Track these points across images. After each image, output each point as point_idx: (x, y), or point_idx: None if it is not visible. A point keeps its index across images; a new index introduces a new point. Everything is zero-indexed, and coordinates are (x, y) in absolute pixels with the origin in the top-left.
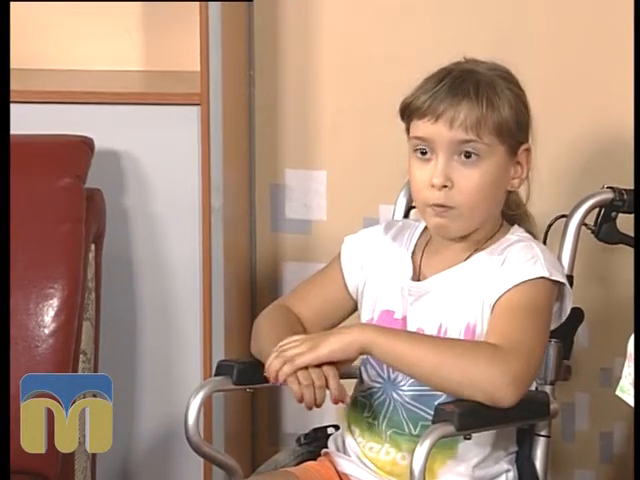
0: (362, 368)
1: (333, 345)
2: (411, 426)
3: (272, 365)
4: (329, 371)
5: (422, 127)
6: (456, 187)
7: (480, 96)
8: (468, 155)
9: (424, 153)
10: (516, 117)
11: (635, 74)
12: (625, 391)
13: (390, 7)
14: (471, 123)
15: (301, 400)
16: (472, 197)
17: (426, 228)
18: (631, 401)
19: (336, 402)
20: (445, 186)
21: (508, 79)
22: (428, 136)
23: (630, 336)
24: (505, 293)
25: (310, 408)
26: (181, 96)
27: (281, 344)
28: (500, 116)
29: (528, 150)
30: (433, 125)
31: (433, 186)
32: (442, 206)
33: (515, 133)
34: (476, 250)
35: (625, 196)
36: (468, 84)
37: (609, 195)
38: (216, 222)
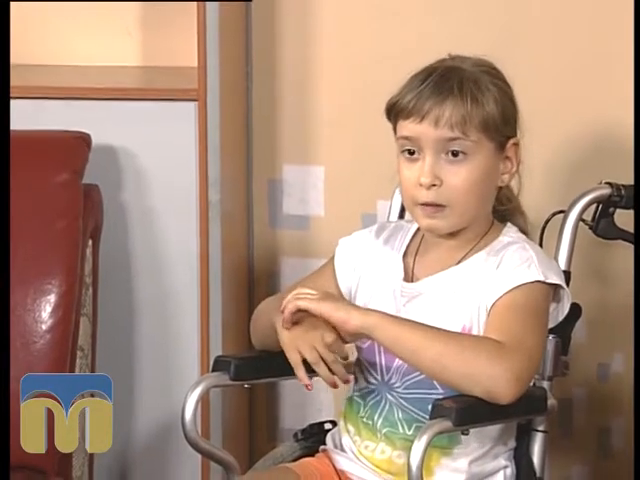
0: (356, 368)
1: (337, 310)
2: (406, 427)
3: (284, 306)
4: (329, 339)
5: (408, 127)
6: (445, 185)
7: (464, 93)
8: (455, 153)
9: (412, 153)
10: (502, 112)
11: (635, 70)
12: None
13: (388, 4)
14: (456, 121)
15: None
16: (462, 194)
17: (419, 229)
18: None
19: (347, 382)
20: (434, 185)
21: (493, 74)
22: (414, 135)
23: None
24: (501, 297)
25: (333, 385)
26: (178, 92)
27: (300, 290)
28: (485, 112)
29: (517, 144)
30: (419, 125)
31: (421, 185)
32: (432, 205)
33: (502, 128)
34: (470, 252)
35: (623, 192)
36: (452, 82)
37: (607, 191)
38: (213, 217)
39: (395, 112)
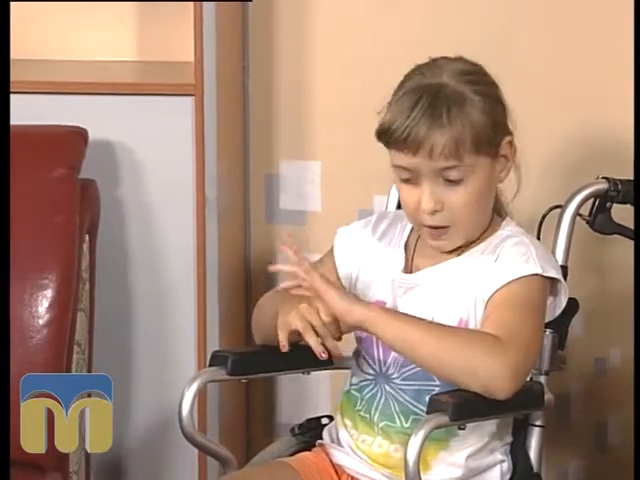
0: (354, 361)
1: (341, 300)
2: (402, 419)
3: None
4: (327, 318)
5: (403, 159)
6: (447, 208)
7: (452, 119)
8: (453, 179)
9: (408, 180)
10: (490, 120)
11: (635, 67)
12: None
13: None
14: (450, 150)
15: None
16: (464, 214)
17: None
18: None
19: (339, 357)
20: (436, 210)
21: (475, 80)
22: (410, 167)
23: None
24: (499, 290)
25: (323, 358)
26: (175, 87)
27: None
28: (475, 130)
29: (510, 141)
30: (413, 157)
31: (423, 211)
32: (437, 227)
33: (493, 137)
34: (469, 246)
35: (620, 186)
36: (441, 109)
37: (604, 185)
38: (210, 213)
39: (386, 141)
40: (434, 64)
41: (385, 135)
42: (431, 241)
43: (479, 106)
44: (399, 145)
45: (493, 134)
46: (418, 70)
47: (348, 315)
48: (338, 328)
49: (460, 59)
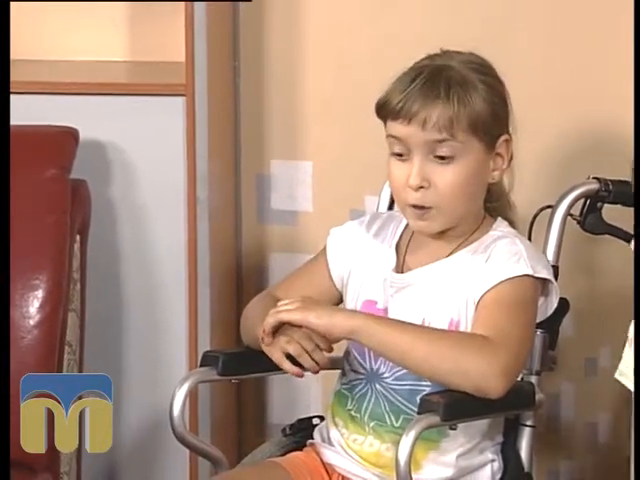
0: (345, 360)
1: (322, 318)
2: (393, 418)
3: (264, 323)
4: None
5: (396, 128)
6: (433, 187)
7: (451, 95)
8: (444, 155)
9: (401, 155)
10: (491, 110)
11: (635, 66)
12: (624, 374)
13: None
14: (444, 123)
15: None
16: (450, 196)
17: None
18: (630, 385)
19: (326, 367)
20: (422, 187)
21: (483, 71)
22: (402, 136)
23: (630, 322)
24: (489, 290)
25: (316, 372)
26: (166, 87)
27: (279, 304)
28: (474, 112)
29: (507, 141)
30: (407, 126)
31: (410, 187)
32: (421, 207)
33: (491, 127)
34: (460, 245)
35: (611, 187)
36: (439, 83)
37: (595, 186)
38: (201, 213)
39: (384, 112)
40: (445, 54)
41: (382, 106)
42: (414, 222)
43: (482, 94)
44: (394, 114)
45: (492, 124)
46: (428, 56)
47: (333, 330)
48: (327, 340)
49: (472, 53)
